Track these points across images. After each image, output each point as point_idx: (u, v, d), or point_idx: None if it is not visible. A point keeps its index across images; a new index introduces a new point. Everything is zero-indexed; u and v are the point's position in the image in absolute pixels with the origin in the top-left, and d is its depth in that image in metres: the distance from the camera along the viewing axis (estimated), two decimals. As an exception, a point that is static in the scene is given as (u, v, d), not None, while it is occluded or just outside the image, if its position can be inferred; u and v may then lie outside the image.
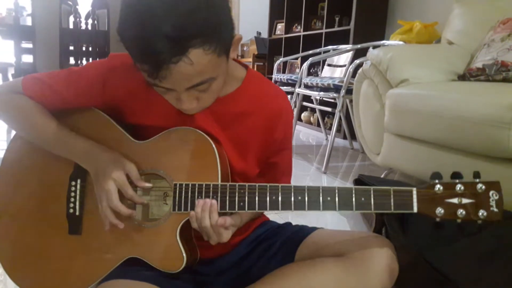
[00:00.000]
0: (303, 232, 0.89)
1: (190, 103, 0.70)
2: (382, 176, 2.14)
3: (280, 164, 0.93)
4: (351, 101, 2.58)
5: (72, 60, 3.51)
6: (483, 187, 0.69)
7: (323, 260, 0.79)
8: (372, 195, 0.71)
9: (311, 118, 4.25)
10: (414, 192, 0.71)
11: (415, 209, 0.70)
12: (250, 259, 0.90)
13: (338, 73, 3.24)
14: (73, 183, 0.84)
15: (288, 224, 0.95)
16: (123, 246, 0.79)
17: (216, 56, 0.65)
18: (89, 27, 3.53)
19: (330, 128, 3.65)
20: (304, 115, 4.33)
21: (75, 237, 0.83)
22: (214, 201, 0.74)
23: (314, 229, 0.91)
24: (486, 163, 1.32)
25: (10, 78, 3.90)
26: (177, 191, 0.76)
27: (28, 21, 4.06)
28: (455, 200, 0.69)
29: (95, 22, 3.52)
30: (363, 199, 0.71)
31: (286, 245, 0.88)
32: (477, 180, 0.70)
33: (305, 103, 3.56)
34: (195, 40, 0.60)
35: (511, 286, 0.84)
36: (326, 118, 3.88)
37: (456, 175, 0.71)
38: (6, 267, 0.86)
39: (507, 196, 1.17)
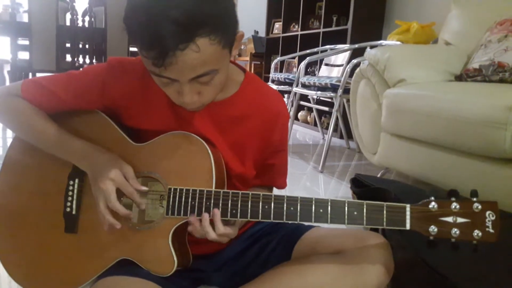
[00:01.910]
0: (300, 230, 0.90)
1: (191, 97, 0.69)
2: (378, 175, 2.14)
3: (276, 165, 0.94)
4: (348, 100, 2.58)
5: (68, 58, 3.49)
6: (480, 206, 0.67)
7: (320, 258, 0.79)
8: (364, 210, 0.70)
9: (308, 118, 4.25)
10: (408, 209, 0.69)
11: (408, 226, 0.69)
12: (247, 256, 0.90)
13: (336, 72, 3.25)
14: (71, 182, 0.84)
15: (285, 222, 0.95)
16: (116, 247, 0.79)
17: (220, 48, 0.65)
18: (86, 25, 3.51)
19: (327, 128, 3.66)
20: (301, 114, 4.33)
21: (70, 236, 0.83)
22: (216, 211, 0.74)
23: (311, 227, 0.91)
24: (482, 163, 1.33)
25: (6, 75, 3.88)
26: (171, 196, 0.76)
27: (25, 18, 4.04)
28: (449, 219, 0.68)
29: (92, 19, 3.50)
30: (355, 213, 0.70)
31: (283, 242, 0.89)
32: (474, 199, 0.67)
33: (302, 103, 3.56)
34: (202, 29, 0.61)
35: (508, 285, 0.85)
36: (323, 117, 3.88)
37: (452, 193, 0.69)
38: (4, 262, 0.86)
39: (504, 197, 1.17)
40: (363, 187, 1.52)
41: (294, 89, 3.01)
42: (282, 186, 0.98)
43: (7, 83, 3.76)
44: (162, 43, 0.60)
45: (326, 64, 3.45)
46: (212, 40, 0.62)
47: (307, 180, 2.27)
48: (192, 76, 0.66)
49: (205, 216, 0.74)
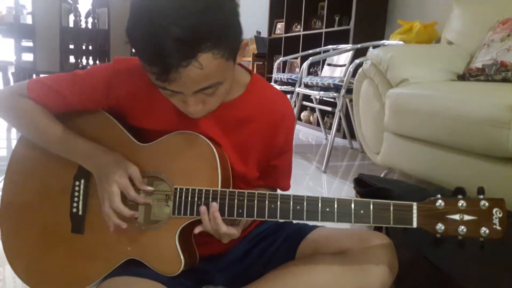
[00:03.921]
0: (304, 230, 0.90)
1: (196, 106, 0.70)
2: (381, 175, 2.14)
3: (280, 167, 0.94)
4: (350, 100, 2.59)
5: (72, 59, 3.50)
6: (487, 204, 0.66)
7: (324, 258, 0.80)
8: (371, 208, 0.70)
9: (311, 118, 4.26)
10: (415, 207, 0.69)
11: (415, 225, 0.69)
12: (251, 256, 0.91)
13: (338, 72, 3.25)
14: (77, 183, 0.84)
15: (289, 222, 0.96)
16: (123, 247, 0.80)
17: (224, 61, 0.64)
18: (90, 26, 3.52)
19: (329, 128, 3.66)
20: (303, 114, 4.34)
21: (77, 236, 0.84)
22: (217, 214, 0.74)
23: (315, 227, 0.91)
24: (485, 162, 1.33)
25: (10, 77, 3.89)
26: (177, 195, 0.76)
27: (28, 20, 4.05)
28: (456, 217, 0.67)
29: (96, 20, 3.52)
30: (362, 211, 0.70)
31: (287, 242, 0.89)
32: (481, 197, 0.67)
33: (304, 103, 3.56)
34: (204, 45, 0.60)
35: None
36: (325, 117, 3.88)
37: (459, 191, 0.69)
38: (11, 262, 0.87)
39: (507, 196, 1.17)
40: (367, 187, 1.52)
41: (297, 89, 3.02)
42: (286, 187, 0.98)
43: (11, 84, 3.77)
44: (164, 61, 0.60)
45: (329, 64, 3.46)
46: (215, 55, 0.62)
47: (310, 180, 2.27)
48: (196, 89, 0.66)
49: (213, 204, 0.74)
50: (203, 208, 0.74)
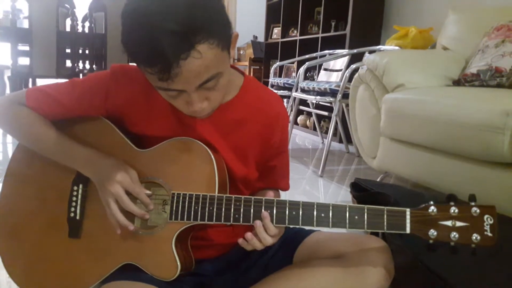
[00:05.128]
0: (301, 234, 0.91)
1: (201, 103, 0.71)
2: (378, 179, 2.15)
3: (278, 167, 0.95)
4: (347, 105, 2.60)
5: (68, 63, 3.51)
6: (478, 210, 0.68)
7: (321, 262, 0.80)
8: (365, 214, 0.71)
9: (307, 122, 4.27)
10: (408, 213, 0.70)
11: (408, 230, 0.70)
12: (248, 260, 0.91)
13: (334, 77, 3.26)
14: (75, 187, 0.85)
15: (286, 227, 0.96)
16: (120, 252, 0.80)
17: (220, 51, 0.66)
18: (86, 30, 3.53)
19: (326, 132, 3.67)
20: (300, 118, 4.35)
21: (74, 241, 0.84)
22: (266, 214, 0.74)
23: (311, 231, 0.92)
24: (480, 167, 1.34)
25: (6, 81, 3.89)
26: (175, 200, 0.77)
27: (25, 24, 4.05)
28: (448, 223, 0.69)
29: (92, 25, 3.52)
30: (356, 217, 0.71)
31: (285, 247, 0.90)
32: (472, 204, 0.69)
33: (301, 107, 3.57)
34: (200, 35, 0.62)
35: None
36: (322, 121, 3.89)
37: (451, 198, 0.70)
38: (7, 266, 0.87)
39: (502, 201, 1.18)
40: (363, 191, 1.53)
41: (294, 94, 3.03)
42: (285, 187, 0.98)
43: (7, 88, 3.77)
44: (164, 57, 0.61)
45: (325, 69, 3.47)
46: (211, 44, 0.64)
47: (307, 184, 2.28)
48: (198, 83, 0.67)
49: (257, 223, 0.74)
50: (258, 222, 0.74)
